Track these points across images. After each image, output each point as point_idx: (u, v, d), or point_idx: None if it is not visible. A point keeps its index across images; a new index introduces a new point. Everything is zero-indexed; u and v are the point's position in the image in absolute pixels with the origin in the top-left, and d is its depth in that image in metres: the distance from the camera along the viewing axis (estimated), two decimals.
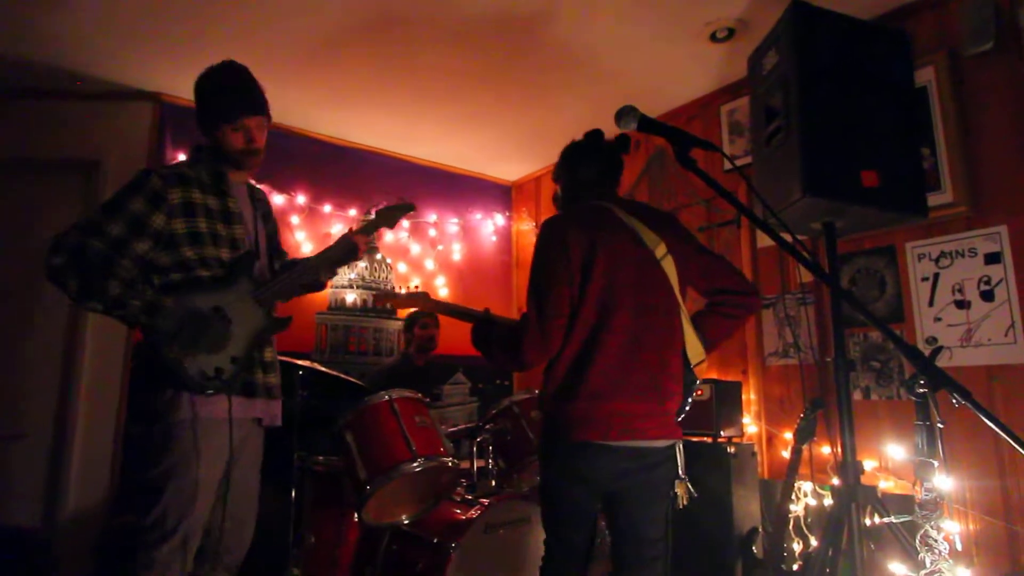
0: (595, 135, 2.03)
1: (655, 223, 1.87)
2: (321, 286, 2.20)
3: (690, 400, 1.86)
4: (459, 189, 4.69)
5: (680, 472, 1.76)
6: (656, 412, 1.74)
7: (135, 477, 1.81)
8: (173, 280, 1.79)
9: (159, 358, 1.71)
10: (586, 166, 1.98)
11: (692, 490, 1.77)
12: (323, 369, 2.75)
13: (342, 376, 2.90)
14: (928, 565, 1.47)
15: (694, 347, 1.84)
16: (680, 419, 1.83)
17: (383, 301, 2.24)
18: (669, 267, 1.82)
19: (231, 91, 1.91)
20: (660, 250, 1.82)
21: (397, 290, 4.16)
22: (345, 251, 2.06)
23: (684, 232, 1.95)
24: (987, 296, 2.51)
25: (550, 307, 1.73)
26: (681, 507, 1.77)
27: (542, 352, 1.74)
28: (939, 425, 1.44)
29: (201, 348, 1.75)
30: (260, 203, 2.10)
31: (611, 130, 1.77)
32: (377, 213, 2.20)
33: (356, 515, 2.31)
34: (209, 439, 1.77)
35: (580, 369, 1.73)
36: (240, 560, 1.92)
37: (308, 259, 2.04)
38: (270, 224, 2.13)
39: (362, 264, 3.98)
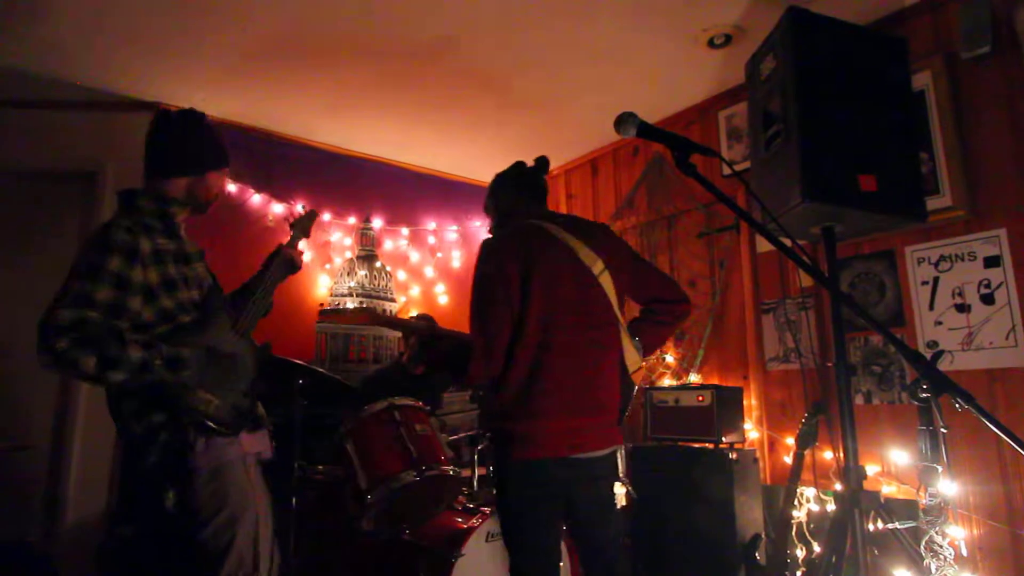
0: (517, 165, 2.14)
1: (591, 239, 1.92)
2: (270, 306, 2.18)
3: (629, 405, 1.97)
4: (458, 196, 4.69)
5: (620, 475, 1.88)
6: (596, 425, 1.83)
7: (183, 536, 1.75)
8: (161, 333, 1.70)
9: (177, 407, 1.66)
10: (509, 193, 2.07)
11: (632, 491, 1.90)
12: (323, 371, 2.74)
13: (342, 380, 2.89)
14: (934, 571, 1.46)
15: (631, 356, 1.92)
16: (620, 423, 1.94)
17: (329, 317, 2.26)
18: (606, 282, 1.88)
19: (217, 141, 1.95)
20: (597, 266, 1.88)
21: (387, 304, 4.14)
22: (287, 267, 2.12)
23: (619, 243, 2.03)
24: (987, 299, 2.51)
25: (491, 329, 1.77)
26: (620, 507, 1.88)
27: (487, 372, 1.79)
28: (942, 430, 1.44)
29: (228, 385, 1.74)
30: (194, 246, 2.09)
31: (612, 135, 1.78)
32: (291, 226, 2.25)
33: (356, 524, 2.30)
34: (255, 472, 1.81)
35: (526, 390, 1.78)
36: None
37: (261, 285, 2.02)
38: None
39: (362, 272, 3.97)
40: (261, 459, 1.94)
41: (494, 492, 1.90)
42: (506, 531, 1.86)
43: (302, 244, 2.25)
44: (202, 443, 1.68)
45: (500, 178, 2.13)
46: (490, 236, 1.97)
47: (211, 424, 1.68)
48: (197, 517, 1.69)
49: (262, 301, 2.00)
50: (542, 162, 2.13)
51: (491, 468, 2.69)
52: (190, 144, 1.88)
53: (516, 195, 2.06)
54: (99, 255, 1.63)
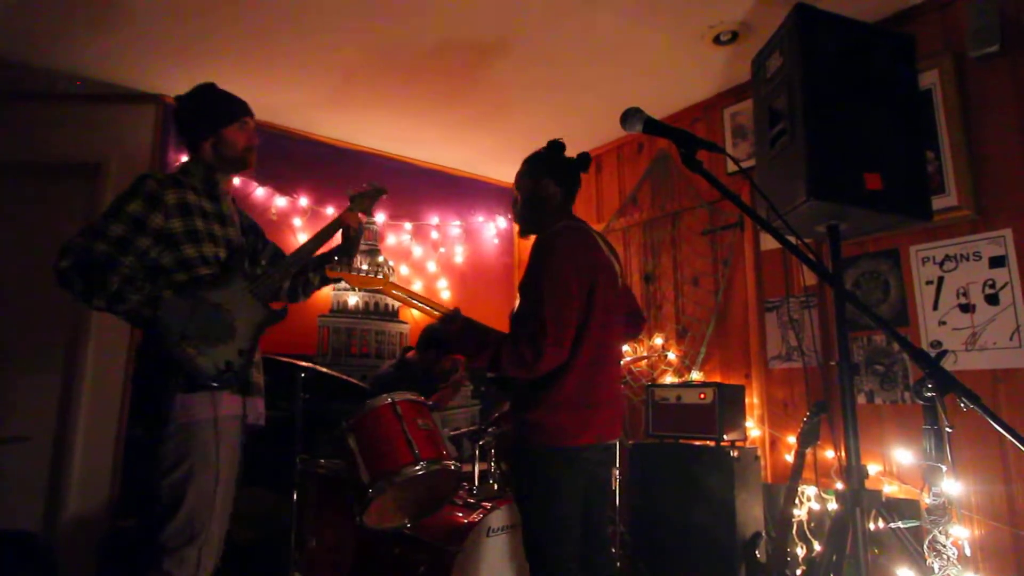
0: (558, 146, 2.15)
1: (612, 251, 2.15)
2: (329, 278, 2.24)
3: None
4: (461, 191, 4.69)
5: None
6: (620, 415, 2.10)
7: (147, 483, 1.82)
8: (177, 280, 1.84)
9: (167, 355, 1.74)
10: (553, 183, 2.09)
11: (618, 476, 2.35)
12: (324, 370, 2.75)
13: (343, 377, 2.89)
14: (937, 571, 1.46)
15: None
16: None
17: (336, 274, 2.12)
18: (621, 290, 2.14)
19: (227, 96, 2.06)
20: (619, 276, 2.13)
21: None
22: (333, 230, 2.16)
23: (619, 258, 2.23)
24: (992, 300, 2.50)
25: (566, 319, 1.84)
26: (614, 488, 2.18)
27: (557, 361, 1.83)
28: (947, 429, 1.43)
29: (211, 339, 1.80)
30: (240, 214, 2.17)
31: (616, 132, 1.78)
32: (351, 199, 2.26)
33: (358, 518, 2.30)
34: (227, 437, 1.84)
35: (587, 380, 1.90)
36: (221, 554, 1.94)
37: (299, 248, 2.11)
38: (250, 236, 2.18)
39: (364, 266, 3.98)
40: (249, 426, 1.96)
41: (524, 484, 1.93)
42: (554, 519, 1.85)
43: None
44: (180, 396, 1.76)
45: (546, 161, 2.12)
46: (561, 231, 1.97)
47: (195, 376, 1.75)
48: (160, 466, 1.76)
49: (291, 264, 2.07)
50: (585, 158, 2.16)
51: (496, 465, 2.70)
52: (195, 112, 2.02)
53: (562, 187, 2.09)
54: (125, 199, 1.84)
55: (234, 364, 1.84)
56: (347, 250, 2.23)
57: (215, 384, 1.79)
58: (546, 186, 2.08)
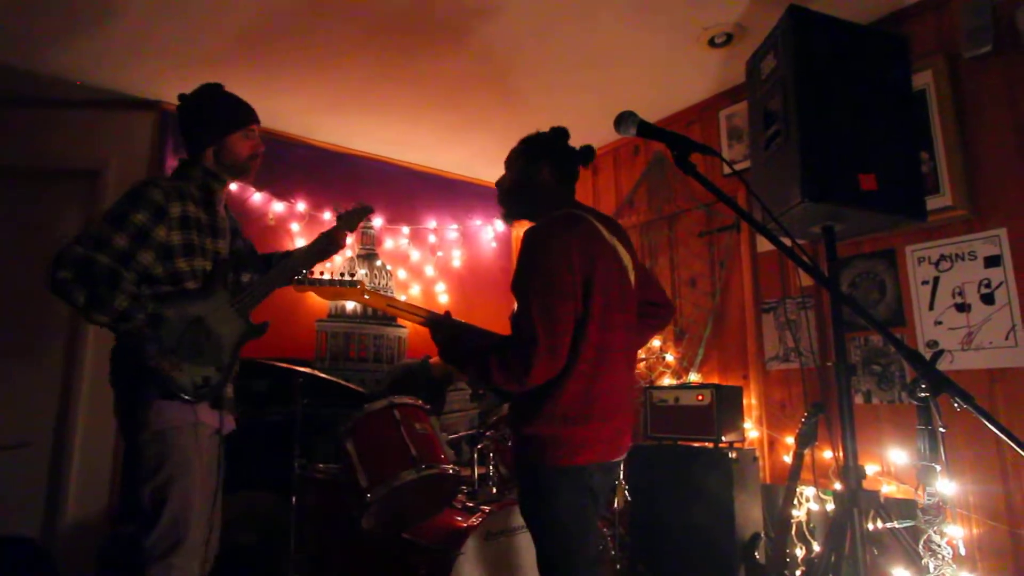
0: (561, 133, 2.00)
1: (622, 239, 1.90)
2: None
3: None
4: (458, 195, 4.69)
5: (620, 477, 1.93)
6: (631, 426, 1.84)
7: (131, 489, 1.81)
8: (162, 292, 1.81)
9: (145, 368, 1.73)
10: (547, 167, 1.92)
11: (628, 494, 2.01)
12: (323, 375, 2.75)
13: (341, 382, 2.89)
14: (932, 570, 1.47)
15: None
16: None
17: (304, 288, 2.03)
18: (633, 283, 1.88)
19: (233, 101, 2.02)
20: (629, 267, 1.87)
21: (383, 292, 4.13)
22: (317, 252, 2.10)
23: (631, 243, 1.98)
24: (987, 299, 2.51)
25: (559, 324, 1.63)
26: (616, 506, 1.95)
27: (551, 371, 1.64)
28: (941, 430, 1.44)
29: (189, 354, 1.78)
30: (231, 220, 2.12)
31: (613, 135, 1.76)
32: (338, 218, 2.20)
33: (357, 522, 2.30)
34: (204, 443, 1.82)
35: (589, 390, 1.69)
36: (211, 564, 1.91)
37: (283, 262, 2.08)
38: (238, 241, 2.14)
39: (362, 271, 3.98)
40: (222, 434, 1.94)
41: (530, 504, 1.76)
42: (565, 543, 1.69)
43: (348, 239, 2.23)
44: (156, 403, 1.75)
45: (543, 145, 1.96)
46: (549, 224, 1.75)
47: (170, 388, 1.74)
48: (140, 472, 1.76)
49: (272, 281, 2.02)
50: (588, 152, 1.98)
51: (494, 469, 2.70)
52: (199, 117, 1.98)
53: (556, 174, 1.92)
54: (130, 206, 1.78)
55: (211, 380, 1.82)
56: (310, 259, 2.11)
57: (189, 398, 1.77)
58: (540, 170, 1.91)
